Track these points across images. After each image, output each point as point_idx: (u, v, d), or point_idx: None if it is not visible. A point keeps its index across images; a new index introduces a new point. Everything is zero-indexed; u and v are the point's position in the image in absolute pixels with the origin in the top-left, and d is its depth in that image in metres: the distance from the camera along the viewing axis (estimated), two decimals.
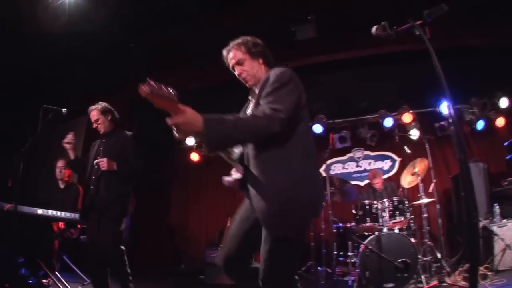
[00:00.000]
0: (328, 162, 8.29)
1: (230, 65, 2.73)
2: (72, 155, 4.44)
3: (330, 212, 5.96)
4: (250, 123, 2.24)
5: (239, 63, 2.67)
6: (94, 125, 4.46)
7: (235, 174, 2.56)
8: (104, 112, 4.49)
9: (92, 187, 4.22)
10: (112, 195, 4.15)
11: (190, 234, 9.37)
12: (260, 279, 2.42)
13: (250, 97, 2.78)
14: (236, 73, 2.72)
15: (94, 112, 4.48)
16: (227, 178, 2.59)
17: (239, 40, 2.71)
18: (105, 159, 4.15)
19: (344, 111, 8.08)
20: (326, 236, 6.31)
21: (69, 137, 4.36)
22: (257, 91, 2.59)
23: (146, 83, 1.91)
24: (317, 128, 7.92)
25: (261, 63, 2.68)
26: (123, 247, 4.15)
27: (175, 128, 2.12)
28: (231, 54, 2.70)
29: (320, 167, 8.41)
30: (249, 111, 2.67)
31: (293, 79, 2.45)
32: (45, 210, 5.03)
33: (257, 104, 2.46)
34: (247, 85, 2.72)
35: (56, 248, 5.47)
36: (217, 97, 6.34)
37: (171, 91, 1.97)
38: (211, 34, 6.59)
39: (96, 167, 4.25)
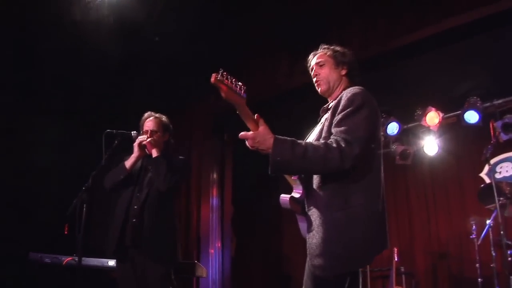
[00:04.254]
0: (492, 161, 7.68)
1: (311, 66, 3.18)
2: (155, 152, 4.38)
3: (501, 232, 5.60)
4: (321, 154, 2.61)
5: (319, 64, 3.13)
6: (145, 137, 4.39)
7: (294, 193, 2.96)
8: (165, 127, 4.58)
9: (134, 220, 4.20)
10: (160, 229, 4.21)
11: None
12: None
13: (320, 114, 3.16)
14: (312, 73, 3.16)
15: (154, 121, 4.53)
16: (283, 196, 2.97)
17: (329, 45, 3.19)
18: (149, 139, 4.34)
19: (504, 88, 7.42)
20: (498, 267, 6.04)
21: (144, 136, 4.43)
22: (328, 114, 2.95)
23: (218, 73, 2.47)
24: (471, 116, 7.31)
25: (342, 74, 3.11)
26: None
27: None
28: (317, 55, 3.17)
29: (482, 169, 7.99)
30: (316, 134, 2.99)
31: (367, 102, 2.79)
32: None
33: (329, 128, 2.81)
34: (318, 91, 3.14)
35: None
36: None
37: (240, 86, 2.55)
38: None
39: (138, 194, 4.31)
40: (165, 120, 4.60)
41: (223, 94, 2.50)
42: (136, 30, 6.76)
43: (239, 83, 2.55)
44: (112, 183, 4.43)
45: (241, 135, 2.64)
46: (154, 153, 4.34)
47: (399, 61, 6.71)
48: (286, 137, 2.65)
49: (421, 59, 6.79)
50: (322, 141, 2.79)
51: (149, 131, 4.44)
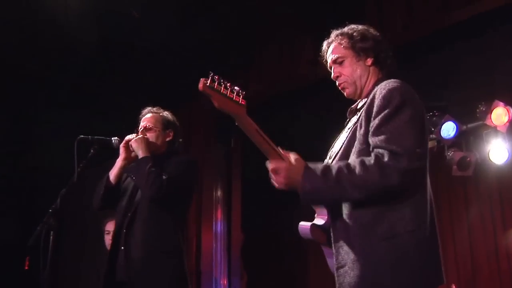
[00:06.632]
0: None
1: (328, 63, 3.11)
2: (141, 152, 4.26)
3: None
4: (358, 177, 2.59)
5: (337, 61, 3.03)
6: (133, 135, 4.36)
7: (317, 219, 2.96)
8: (166, 124, 4.56)
9: (122, 248, 4.13)
10: (156, 256, 4.06)
11: None
12: None
13: (348, 117, 3.16)
14: (332, 74, 3.07)
15: (151, 117, 4.53)
16: (303, 224, 2.99)
17: (343, 30, 3.09)
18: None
19: None
20: None
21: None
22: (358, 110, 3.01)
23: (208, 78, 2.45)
24: None
25: (368, 64, 3.02)
26: None
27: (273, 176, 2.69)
28: (332, 48, 3.07)
29: None
30: (343, 143, 2.97)
31: (408, 99, 2.74)
32: None
33: (365, 138, 2.78)
34: (344, 94, 3.10)
35: None
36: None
37: (237, 91, 2.59)
38: None
39: (129, 214, 4.19)
40: (167, 115, 4.60)
41: (215, 103, 2.51)
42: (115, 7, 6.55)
43: (236, 88, 2.56)
44: (97, 203, 4.42)
45: (272, 167, 2.66)
46: (140, 154, 4.22)
47: (456, 42, 6.56)
48: (316, 164, 2.68)
49: (485, 39, 6.61)
50: (357, 158, 2.75)
51: (143, 127, 4.44)
